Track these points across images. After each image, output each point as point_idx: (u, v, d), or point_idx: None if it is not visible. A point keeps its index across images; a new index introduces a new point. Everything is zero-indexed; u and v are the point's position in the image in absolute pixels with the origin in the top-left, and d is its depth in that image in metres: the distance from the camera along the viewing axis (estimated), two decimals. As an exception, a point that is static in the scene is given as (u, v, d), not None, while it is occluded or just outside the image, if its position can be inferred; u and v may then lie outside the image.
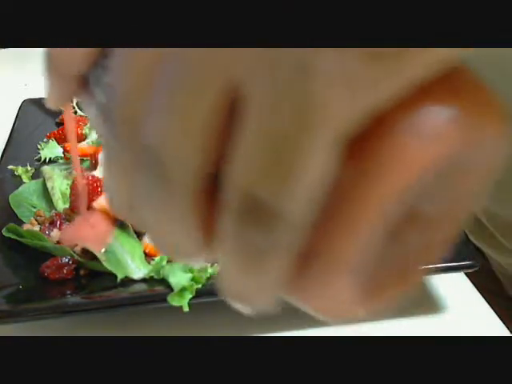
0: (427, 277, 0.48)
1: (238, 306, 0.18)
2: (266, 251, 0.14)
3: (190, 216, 0.15)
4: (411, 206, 0.15)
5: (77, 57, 0.18)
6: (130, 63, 0.15)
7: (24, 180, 0.57)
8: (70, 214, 0.50)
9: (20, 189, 0.54)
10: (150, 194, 0.15)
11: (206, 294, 0.41)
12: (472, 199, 0.16)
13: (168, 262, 0.45)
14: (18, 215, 0.52)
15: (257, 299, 0.17)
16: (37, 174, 0.58)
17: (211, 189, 0.15)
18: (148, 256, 0.46)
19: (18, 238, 0.47)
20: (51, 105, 0.20)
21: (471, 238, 0.60)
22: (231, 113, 0.13)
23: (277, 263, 0.14)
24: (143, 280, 0.43)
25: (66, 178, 0.55)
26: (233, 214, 0.14)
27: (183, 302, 0.39)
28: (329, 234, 0.14)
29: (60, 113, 0.71)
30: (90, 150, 0.61)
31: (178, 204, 0.15)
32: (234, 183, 0.13)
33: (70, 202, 0.51)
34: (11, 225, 0.47)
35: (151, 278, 0.43)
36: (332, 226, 0.14)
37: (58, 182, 0.55)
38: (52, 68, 0.19)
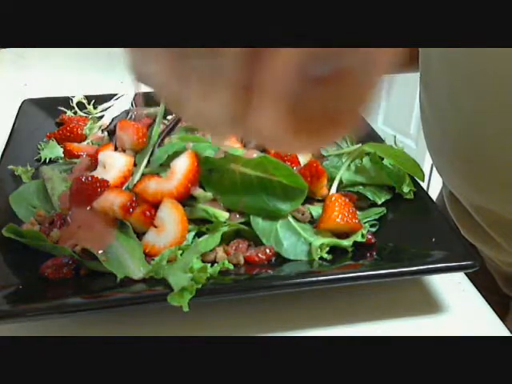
0: (427, 277, 0.49)
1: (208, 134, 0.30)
2: (215, 78, 0.22)
3: (230, 88, 0.23)
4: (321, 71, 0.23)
5: None
6: None
7: (24, 180, 0.57)
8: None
9: (20, 189, 0.54)
10: (202, 74, 0.23)
11: (206, 293, 0.41)
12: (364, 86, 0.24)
13: (168, 261, 0.45)
14: (18, 215, 0.52)
15: (217, 122, 0.24)
16: (37, 174, 0.58)
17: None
18: (148, 256, 0.46)
19: (18, 238, 0.47)
20: None
21: (466, 235, 0.60)
22: None
23: (225, 87, 0.22)
24: (143, 280, 0.43)
25: (65, 180, 0.55)
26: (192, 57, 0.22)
27: (183, 302, 0.39)
28: (258, 72, 0.22)
29: (60, 113, 0.71)
30: (90, 150, 0.61)
31: (223, 79, 0.22)
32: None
33: (70, 202, 0.51)
34: (11, 225, 0.47)
35: (151, 278, 0.43)
36: (259, 68, 0.22)
37: (58, 183, 0.55)
38: None
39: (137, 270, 0.44)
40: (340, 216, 0.48)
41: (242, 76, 0.22)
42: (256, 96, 0.22)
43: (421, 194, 0.52)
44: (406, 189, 0.52)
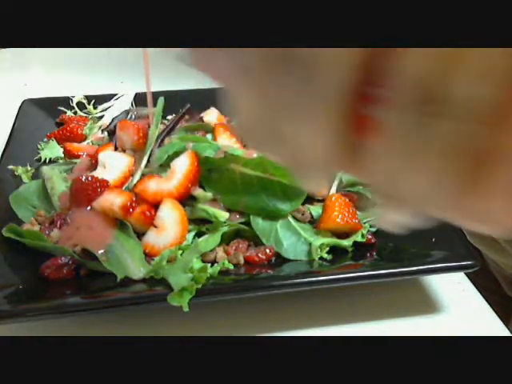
0: (427, 277, 0.48)
1: (393, 216, 0.18)
2: (438, 138, 0.14)
3: (337, 121, 0.15)
4: None
5: None
6: None
7: (24, 180, 0.57)
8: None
9: (20, 189, 0.54)
10: (295, 102, 0.16)
11: (206, 293, 0.41)
12: None
13: (168, 261, 0.45)
14: (18, 215, 0.52)
15: (415, 198, 0.16)
16: (37, 174, 0.58)
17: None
18: (148, 256, 0.46)
19: (18, 238, 0.47)
20: None
21: (470, 239, 0.60)
22: None
23: (450, 154, 0.14)
24: (143, 280, 0.43)
25: (65, 180, 0.55)
26: (403, 106, 0.14)
27: (183, 302, 0.39)
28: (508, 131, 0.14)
29: (60, 113, 0.71)
30: (90, 150, 0.61)
31: (326, 110, 0.15)
32: (405, 74, 0.14)
33: (70, 202, 0.51)
34: (11, 225, 0.47)
35: (151, 278, 0.43)
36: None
37: (58, 183, 0.55)
38: None
39: (137, 270, 0.44)
40: (340, 216, 0.48)
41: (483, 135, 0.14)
42: (493, 164, 0.15)
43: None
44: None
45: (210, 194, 0.50)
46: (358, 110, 0.16)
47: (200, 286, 0.40)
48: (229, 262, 0.45)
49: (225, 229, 0.48)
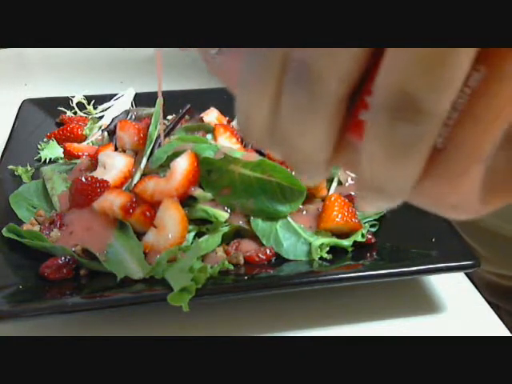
0: (427, 277, 0.49)
1: (371, 201, 0.20)
2: (410, 143, 0.17)
3: (330, 123, 0.18)
4: None
5: None
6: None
7: (24, 180, 0.57)
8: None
9: (20, 189, 0.54)
10: (294, 106, 0.18)
11: (206, 293, 0.41)
12: None
13: (168, 261, 0.45)
14: (18, 215, 0.52)
15: (394, 189, 0.19)
16: (37, 174, 0.58)
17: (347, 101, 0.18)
18: (148, 256, 0.46)
19: (17, 238, 0.47)
20: None
21: None
22: None
23: (418, 154, 0.17)
24: (143, 280, 0.43)
25: (65, 180, 0.55)
26: (384, 112, 0.16)
27: (183, 302, 0.39)
28: (465, 129, 0.17)
29: (60, 113, 0.71)
30: (90, 150, 0.61)
31: (320, 112, 0.18)
32: (388, 83, 0.16)
33: (70, 203, 0.51)
34: (11, 225, 0.47)
35: (151, 277, 0.43)
36: (469, 123, 0.17)
37: (58, 183, 0.55)
38: None
39: (137, 270, 0.44)
40: (340, 215, 0.48)
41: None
42: (453, 155, 0.17)
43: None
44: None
45: (209, 195, 0.50)
46: (354, 115, 0.18)
47: (200, 285, 0.40)
48: (229, 262, 0.45)
49: (225, 229, 0.48)
